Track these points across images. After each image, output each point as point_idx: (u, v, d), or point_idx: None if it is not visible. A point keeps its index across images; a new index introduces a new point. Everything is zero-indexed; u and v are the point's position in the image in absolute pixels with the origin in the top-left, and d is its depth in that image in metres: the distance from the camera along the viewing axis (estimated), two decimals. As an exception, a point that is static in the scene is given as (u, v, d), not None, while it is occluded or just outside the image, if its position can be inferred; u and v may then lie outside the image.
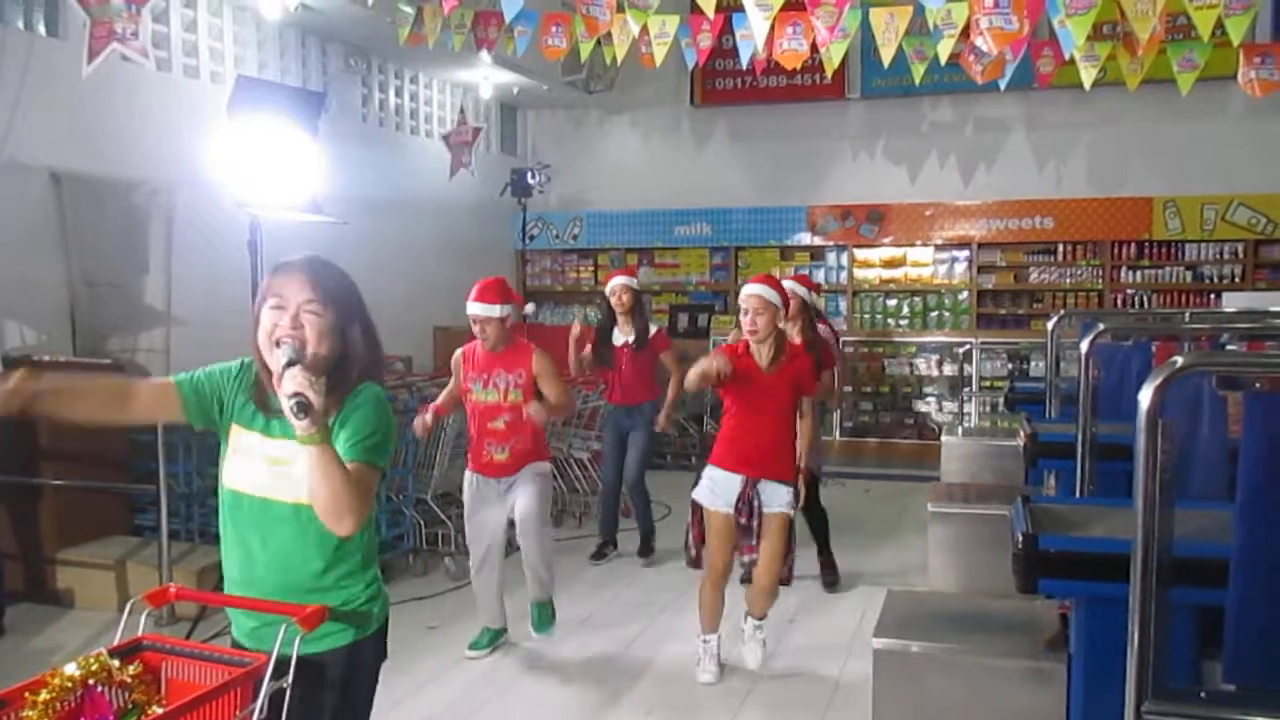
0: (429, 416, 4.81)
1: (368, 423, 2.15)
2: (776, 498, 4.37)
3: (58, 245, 6.23)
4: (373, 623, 2.28)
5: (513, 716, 4.33)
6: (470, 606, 5.35)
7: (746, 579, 4.66)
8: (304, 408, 1.98)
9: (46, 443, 5.51)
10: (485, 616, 4.94)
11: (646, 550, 6.57)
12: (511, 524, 4.86)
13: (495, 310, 4.62)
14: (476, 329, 4.66)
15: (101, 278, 6.41)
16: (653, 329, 6.49)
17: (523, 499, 4.77)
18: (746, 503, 4.33)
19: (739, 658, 4.67)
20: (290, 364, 2.04)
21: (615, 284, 6.37)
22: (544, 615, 4.99)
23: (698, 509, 4.46)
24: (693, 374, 4.22)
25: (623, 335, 6.38)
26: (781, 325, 4.39)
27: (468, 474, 4.84)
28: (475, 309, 4.64)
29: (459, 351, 4.86)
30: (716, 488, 4.39)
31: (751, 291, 4.30)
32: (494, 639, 4.93)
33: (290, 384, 1.99)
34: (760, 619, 4.61)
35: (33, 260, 6.08)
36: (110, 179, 6.45)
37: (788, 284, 4.63)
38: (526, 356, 4.69)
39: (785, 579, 4.52)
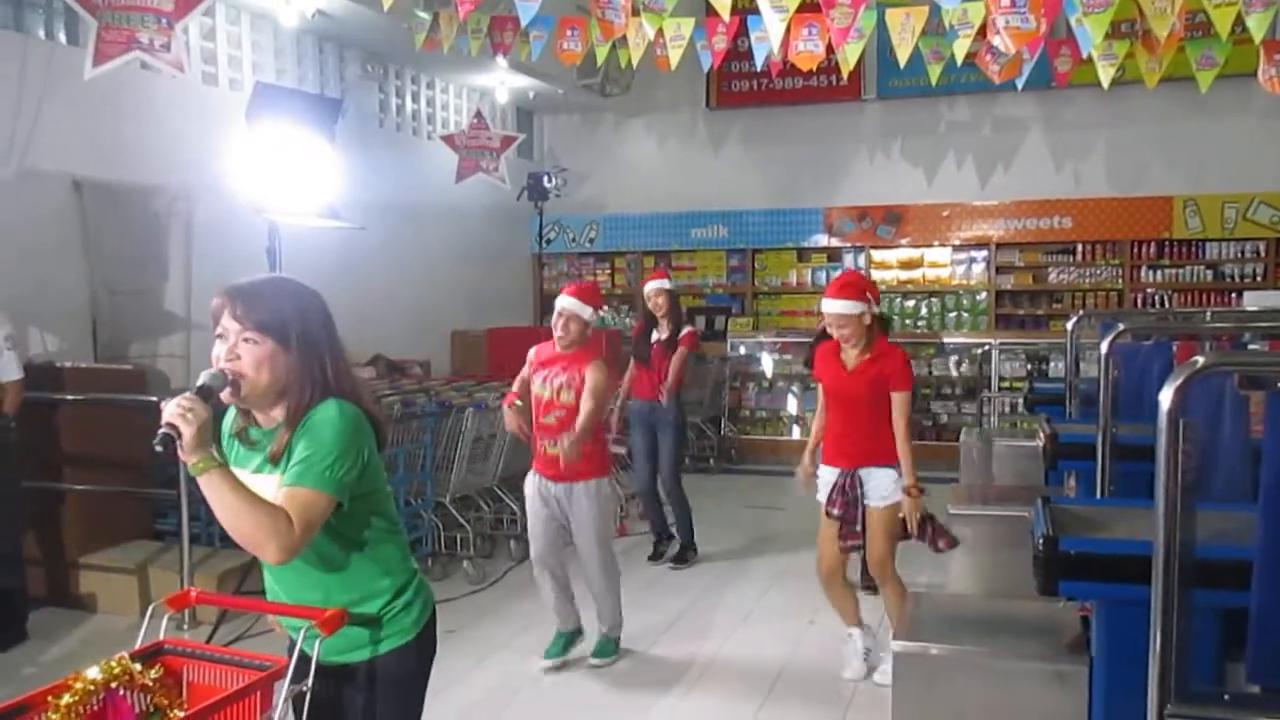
0: (506, 407, 4.75)
1: (311, 444, 2.07)
2: (877, 488, 4.40)
3: (79, 252, 6.28)
4: (408, 630, 2.26)
5: (535, 719, 4.34)
6: (488, 609, 5.37)
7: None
8: (168, 440, 1.93)
9: (69, 448, 5.55)
10: (557, 619, 4.84)
11: (682, 559, 6.48)
12: (570, 536, 4.81)
13: (586, 311, 4.62)
14: (559, 321, 4.61)
15: (122, 284, 6.45)
16: (685, 329, 6.56)
17: (581, 536, 4.68)
18: (840, 493, 4.42)
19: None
20: (202, 389, 2.01)
21: (650, 288, 6.51)
22: (606, 647, 4.82)
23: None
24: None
25: (658, 334, 6.51)
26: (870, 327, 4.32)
27: (531, 474, 4.78)
28: (565, 303, 4.61)
29: (535, 347, 4.81)
30: (823, 484, 4.53)
31: (829, 311, 4.30)
32: (567, 644, 4.83)
33: (165, 413, 1.94)
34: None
35: (55, 267, 6.13)
36: (130, 186, 6.50)
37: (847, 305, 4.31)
38: (584, 361, 4.62)
39: (948, 544, 4.41)
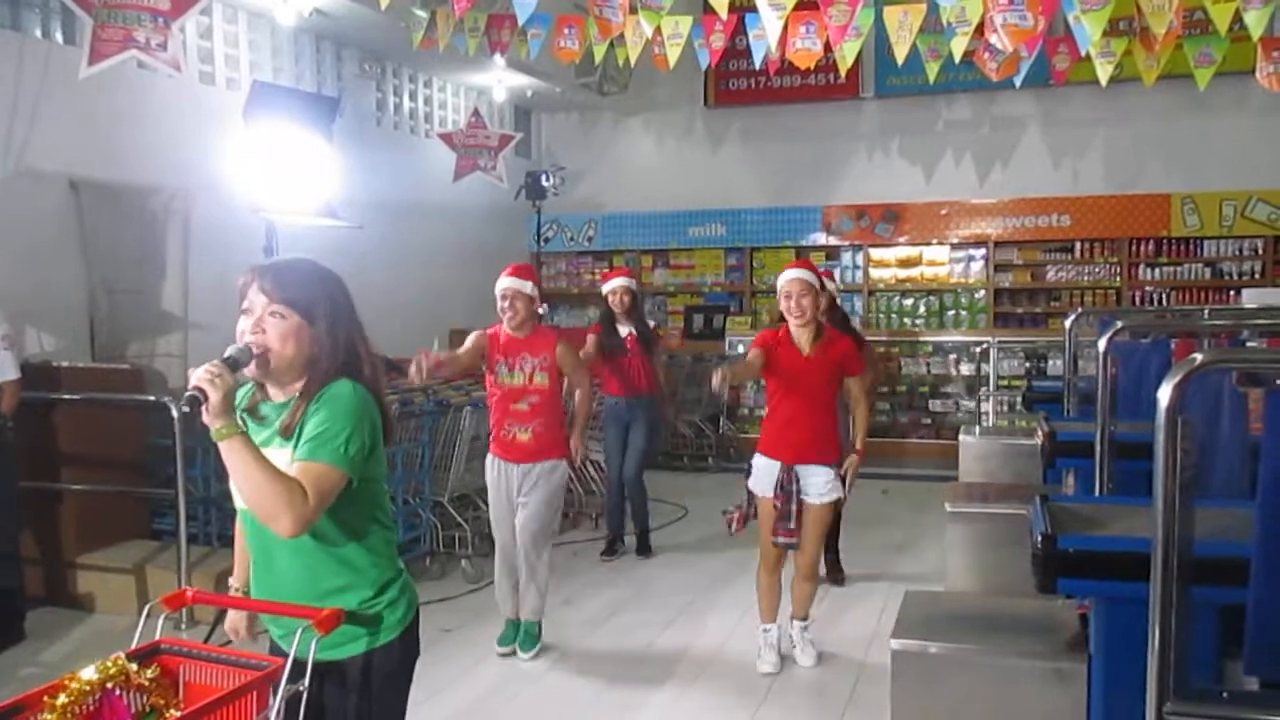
0: (420, 359, 4.36)
1: (326, 420, 2.10)
2: (815, 485, 4.46)
3: (76, 252, 6.27)
4: (393, 627, 2.26)
5: (533, 718, 4.34)
6: (486, 608, 5.36)
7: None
8: (194, 401, 1.98)
9: (66, 448, 5.54)
10: (507, 608, 4.92)
11: (644, 548, 6.62)
12: None
13: (526, 286, 4.67)
14: (504, 304, 4.66)
15: (120, 284, 6.44)
16: (652, 325, 6.68)
17: (530, 507, 4.72)
18: (783, 487, 4.43)
19: (793, 659, 4.74)
20: (229, 360, 2.05)
21: (616, 285, 6.51)
22: (531, 635, 4.85)
23: (752, 495, 4.61)
24: (739, 368, 4.57)
25: (624, 328, 6.50)
26: (820, 317, 4.49)
27: (489, 458, 4.83)
28: (507, 283, 4.67)
29: (484, 331, 4.80)
30: (760, 474, 4.54)
31: (792, 275, 4.42)
32: (519, 629, 4.93)
33: (193, 376, 1.99)
34: (804, 619, 4.72)
35: (52, 267, 6.12)
36: (127, 186, 6.49)
37: (806, 273, 4.52)
38: (550, 341, 4.76)
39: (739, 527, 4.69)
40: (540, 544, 4.80)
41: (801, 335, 4.44)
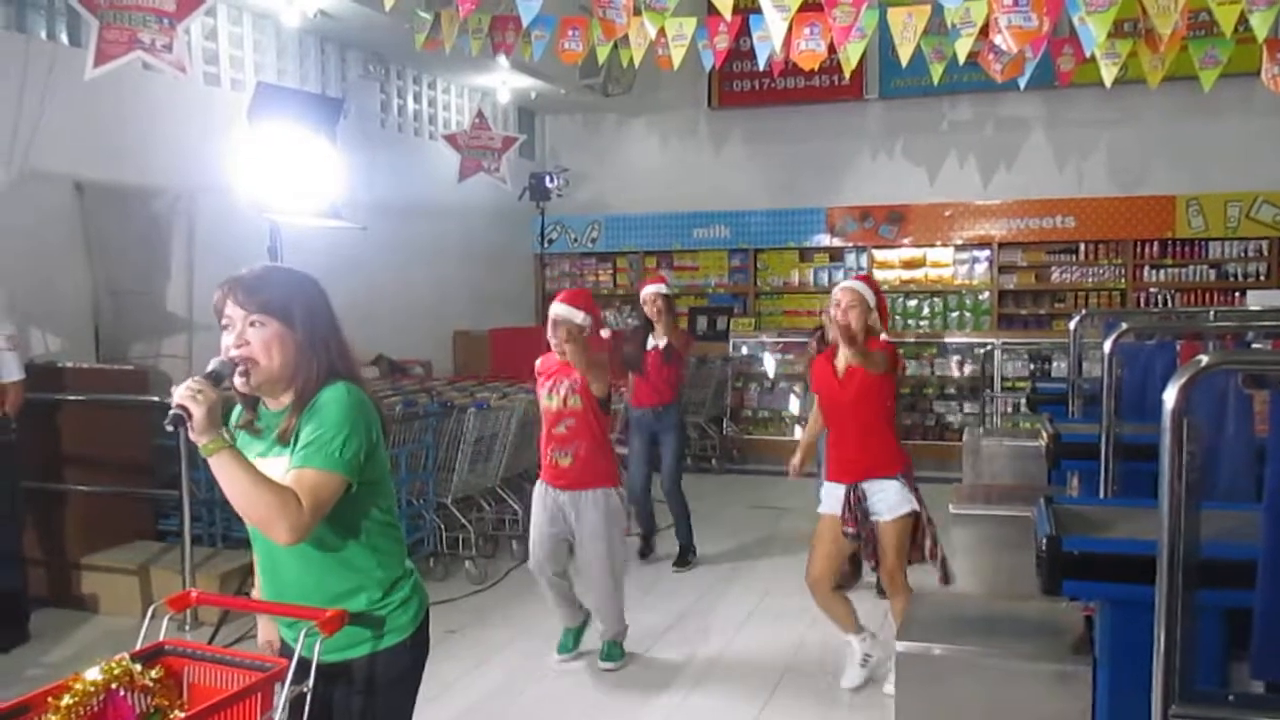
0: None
1: (319, 425, 2.09)
2: (884, 500, 4.31)
3: (81, 253, 6.28)
4: (403, 629, 2.26)
5: (537, 719, 4.34)
6: (490, 610, 5.36)
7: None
8: (178, 420, 1.95)
9: (70, 448, 5.55)
10: (560, 617, 4.89)
11: (683, 561, 6.44)
12: (572, 548, 4.78)
13: (577, 316, 4.54)
14: (550, 329, 4.59)
15: (124, 285, 6.45)
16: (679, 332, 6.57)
17: (588, 549, 4.64)
18: (852, 509, 4.32)
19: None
20: (210, 374, 2.03)
21: (648, 292, 6.45)
22: (613, 651, 4.77)
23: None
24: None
25: (654, 340, 6.44)
26: (873, 324, 4.35)
27: (538, 484, 4.76)
28: (554, 309, 4.58)
29: (539, 359, 4.80)
30: (827, 498, 4.45)
31: (845, 284, 4.39)
32: (577, 637, 4.89)
33: (175, 395, 1.97)
34: None
35: (56, 268, 6.13)
36: (132, 187, 6.50)
37: (860, 285, 4.41)
38: None
39: (943, 579, 4.42)
40: (607, 581, 4.69)
41: (843, 353, 4.32)
